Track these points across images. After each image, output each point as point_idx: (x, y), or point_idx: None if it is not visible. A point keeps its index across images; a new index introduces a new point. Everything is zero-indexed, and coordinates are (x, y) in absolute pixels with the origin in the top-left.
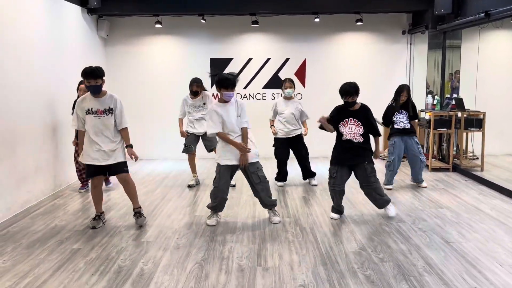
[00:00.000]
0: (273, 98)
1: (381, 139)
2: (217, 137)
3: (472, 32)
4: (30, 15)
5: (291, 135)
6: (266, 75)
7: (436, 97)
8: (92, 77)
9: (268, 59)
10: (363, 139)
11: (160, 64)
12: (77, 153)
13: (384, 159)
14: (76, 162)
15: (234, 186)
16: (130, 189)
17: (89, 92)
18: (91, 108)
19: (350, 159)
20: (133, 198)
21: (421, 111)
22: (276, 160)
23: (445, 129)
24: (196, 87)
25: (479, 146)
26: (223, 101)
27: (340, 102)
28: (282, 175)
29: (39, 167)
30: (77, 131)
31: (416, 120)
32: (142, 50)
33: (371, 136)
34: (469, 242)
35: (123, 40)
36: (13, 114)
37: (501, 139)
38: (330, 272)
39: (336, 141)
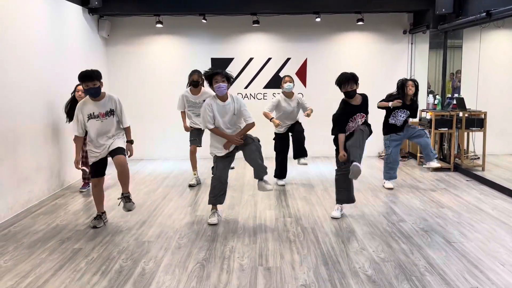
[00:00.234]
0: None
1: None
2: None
3: (473, 32)
4: (31, 15)
5: (289, 126)
6: (267, 75)
7: (437, 96)
8: (89, 80)
9: (269, 58)
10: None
11: (161, 64)
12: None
13: (381, 157)
14: (81, 161)
15: (232, 168)
16: (123, 173)
17: (88, 96)
18: (93, 113)
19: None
20: (124, 184)
21: (422, 110)
22: (275, 156)
23: (446, 128)
24: (197, 76)
25: (480, 145)
26: (221, 98)
27: (339, 102)
28: (281, 171)
29: (40, 167)
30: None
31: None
32: (143, 50)
33: None
34: (470, 242)
35: (124, 40)
36: (14, 114)
37: (502, 139)
38: (332, 272)
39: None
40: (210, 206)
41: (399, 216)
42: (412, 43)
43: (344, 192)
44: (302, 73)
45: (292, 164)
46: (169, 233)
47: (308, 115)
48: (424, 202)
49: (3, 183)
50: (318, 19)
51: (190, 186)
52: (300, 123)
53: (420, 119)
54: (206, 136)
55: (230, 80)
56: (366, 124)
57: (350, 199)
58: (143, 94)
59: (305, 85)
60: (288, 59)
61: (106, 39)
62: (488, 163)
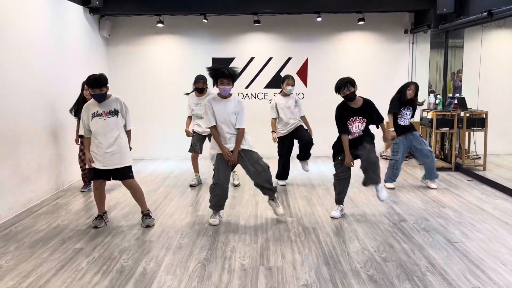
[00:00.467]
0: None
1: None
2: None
3: (474, 31)
4: (32, 15)
5: (292, 129)
6: (268, 75)
7: (438, 96)
8: (97, 86)
9: (270, 58)
10: (363, 132)
11: (162, 63)
12: (82, 152)
13: (386, 159)
14: (81, 161)
15: (238, 185)
16: (136, 194)
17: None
18: (97, 111)
19: (354, 150)
20: (140, 203)
21: (423, 110)
22: (278, 158)
23: (447, 128)
24: (202, 83)
25: (481, 145)
26: (222, 96)
27: (340, 101)
28: (283, 172)
29: (42, 167)
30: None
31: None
32: (144, 49)
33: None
34: (472, 241)
35: (125, 40)
36: (15, 114)
37: (504, 138)
38: (333, 272)
39: (338, 139)
40: (208, 217)
41: (400, 216)
42: (413, 43)
43: (343, 194)
44: (303, 72)
45: (293, 164)
46: (170, 233)
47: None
48: (425, 202)
49: (4, 183)
50: (319, 19)
51: (191, 186)
52: (306, 130)
53: (421, 119)
54: (206, 142)
55: (235, 79)
56: (369, 135)
57: (342, 201)
58: (144, 94)
59: (306, 84)
60: (289, 58)
61: (107, 39)
62: (490, 163)
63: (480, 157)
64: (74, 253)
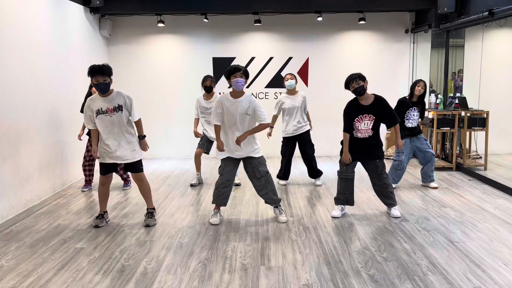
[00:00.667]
0: (275, 97)
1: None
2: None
3: (475, 31)
4: (33, 14)
5: (298, 132)
6: (268, 74)
7: (439, 96)
8: (100, 74)
9: (271, 58)
10: (373, 132)
11: (163, 63)
12: (87, 152)
13: (388, 158)
14: (86, 161)
15: (239, 185)
16: (144, 188)
17: (97, 92)
18: (101, 108)
19: (361, 156)
20: (147, 198)
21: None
22: (281, 159)
23: (448, 128)
24: (210, 81)
25: (482, 145)
26: (234, 94)
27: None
28: (285, 173)
29: (43, 166)
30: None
31: (420, 119)
32: (144, 49)
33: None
34: (473, 241)
35: (125, 39)
36: (16, 113)
37: (505, 138)
38: (334, 272)
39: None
40: (212, 205)
41: (401, 216)
42: (414, 42)
43: (343, 195)
44: (304, 72)
45: (294, 164)
46: (171, 232)
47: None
48: (426, 201)
49: (5, 183)
50: (320, 18)
51: (192, 185)
52: (310, 141)
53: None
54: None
55: (248, 75)
56: (379, 147)
57: (349, 202)
58: (145, 93)
59: (307, 84)
60: (290, 58)
61: (108, 38)
62: (490, 163)
63: (481, 157)
64: (74, 253)
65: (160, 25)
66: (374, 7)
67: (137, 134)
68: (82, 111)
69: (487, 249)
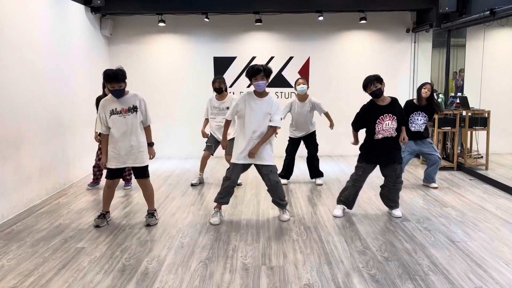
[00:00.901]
0: (277, 96)
1: None
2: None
3: (477, 30)
4: (34, 14)
5: (305, 134)
6: None
7: (440, 95)
8: (116, 81)
9: (272, 57)
10: (396, 133)
11: (164, 62)
12: (100, 151)
13: None
14: (99, 159)
15: (240, 184)
16: (148, 193)
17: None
18: (115, 109)
19: (381, 159)
20: (149, 201)
21: None
22: (284, 157)
23: (449, 127)
24: (218, 83)
25: (483, 144)
26: (258, 94)
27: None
28: (286, 172)
29: (43, 166)
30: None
31: (428, 122)
32: (145, 48)
33: None
34: (474, 241)
35: (126, 39)
36: (17, 113)
37: (506, 138)
38: (335, 271)
39: (367, 139)
40: (213, 205)
41: (402, 216)
42: (415, 42)
43: (347, 199)
44: (304, 72)
45: (295, 164)
46: (172, 232)
47: (331, 127)
48: (428, 201)
49: (6, 182)
50: (320, 18)
51: (192, 185)
52: (314, 141)
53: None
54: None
55: (269, 75)
56: (398, 148)
57: (350, 207)
58: (145, 93)
59: (307, 84)
60: (291, 58)
61: (109, 38)
62: (492, 162)
63: (482, 156)
64: (75, 252)
65: (161, 24)
66: (375, 7)
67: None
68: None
69: (489, 249)
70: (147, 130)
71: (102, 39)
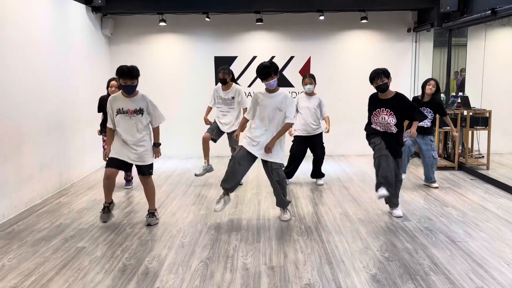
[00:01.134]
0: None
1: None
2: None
3: (478, 30)
4: (35, 14)
5: (311, 134)
6: None
7: (441, 95)
8: (129, 77)
9: (273, 57)
10: (396, 129)
11: (164, 62)
12: (105, 142)
13: None
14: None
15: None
16: (149, 191)
17: (120, 91)
18: (122, 108)
19: (385, 141)
20: (150, 200)
21: None
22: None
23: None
24: (222, 74)
25: (485, 144)
26: (268, 90)
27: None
28: (289, 172)
29: (44, 166)
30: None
31: (448, 116)
32: (146, 48)
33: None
34: (475, 241)
35: (127, 39)
36: (18, 112)
37: (507, 137)
38: (336, 271)
39: (368, 121)
40: (213, 205)
41: (403, 215)
42: (416, 41)
43: (380, 175)
44: (305, 71)
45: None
46: (173, 231)
47: (327, 131)
48: (429, 201)
49: (7, 182)
50: (321, 17)
51: (196, 175)
52: (321, 143)
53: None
54: (224, 140)
55: (277, 71)
56: (397, 149)
57: (390, 184)
58: (146, 92)
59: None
60: (292, 57)
61: (110, 37)
62: (493, 162)
63: (483, 156)
64: (76, 252)
65: (162, 24)
66: (376, 6)
67: (153, 140)
68: (99, 111)
69: (490, 249)
70: (155, 130)
71: (102, 38)
